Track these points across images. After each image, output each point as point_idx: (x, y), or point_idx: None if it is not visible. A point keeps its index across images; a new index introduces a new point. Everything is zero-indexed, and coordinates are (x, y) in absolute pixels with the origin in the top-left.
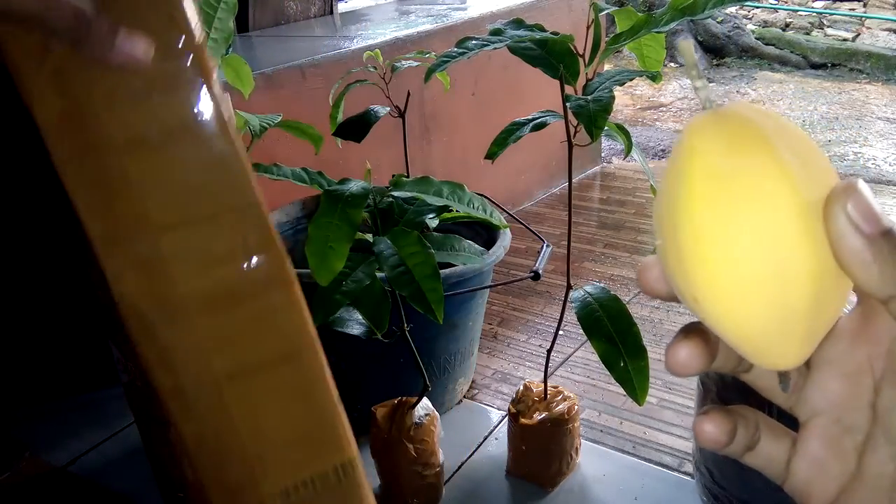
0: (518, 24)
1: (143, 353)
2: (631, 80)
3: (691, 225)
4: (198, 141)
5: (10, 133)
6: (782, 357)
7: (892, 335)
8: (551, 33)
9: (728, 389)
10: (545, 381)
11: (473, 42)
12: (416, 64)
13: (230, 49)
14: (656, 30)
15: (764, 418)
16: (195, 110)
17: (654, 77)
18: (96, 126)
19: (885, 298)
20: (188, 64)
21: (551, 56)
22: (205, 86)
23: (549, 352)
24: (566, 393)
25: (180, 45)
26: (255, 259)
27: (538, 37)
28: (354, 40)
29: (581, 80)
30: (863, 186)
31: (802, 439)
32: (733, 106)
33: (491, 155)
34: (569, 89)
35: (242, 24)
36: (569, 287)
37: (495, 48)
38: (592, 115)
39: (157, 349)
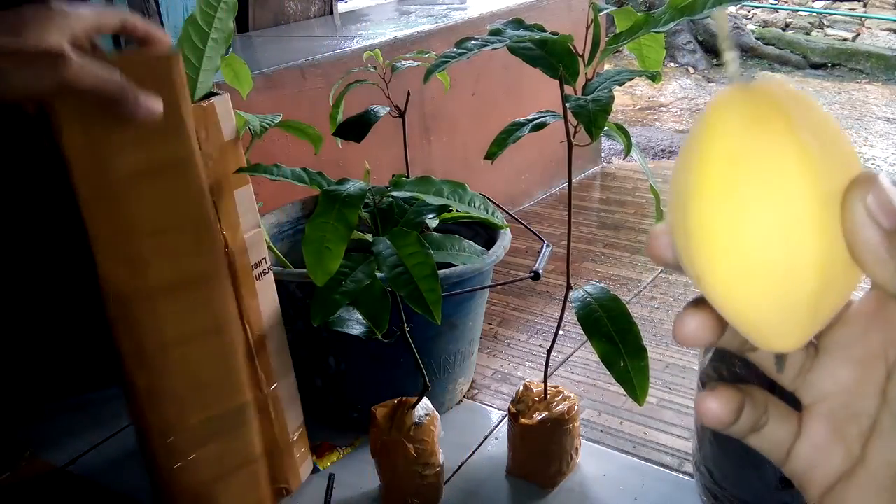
0: (518, 24)
1: (117, 325)
2: (631, 79)
3: (702, 203)
4: (175, 175)
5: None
6: (780, 341)
7: None
8: (551, 33)
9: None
10: (545, 381)
11: (473, 42)
12: (416, 64)
13: (230, 49)
14: (655, 30)
15: (773, 400)
16: (175, 154)
17: (654, 77)
18: (108, 163)
19: None
20: (174, 121)
21: (551, 56)
22: (185, 136)
23: (549, 352)
24: (566, 393)
25: (171, 108)
26: (203, 259)
27: (538, 37)
28: (354, 40)
29: (581, 80)
30: (885, 179)
31: (806, 423)
32: (761, 82)
33: (490, 155)
34: (568, 89)
35: (242, 24)
36: (569, 287)
37: (495, 48)
38: (592, 115)
39: (128, 322)
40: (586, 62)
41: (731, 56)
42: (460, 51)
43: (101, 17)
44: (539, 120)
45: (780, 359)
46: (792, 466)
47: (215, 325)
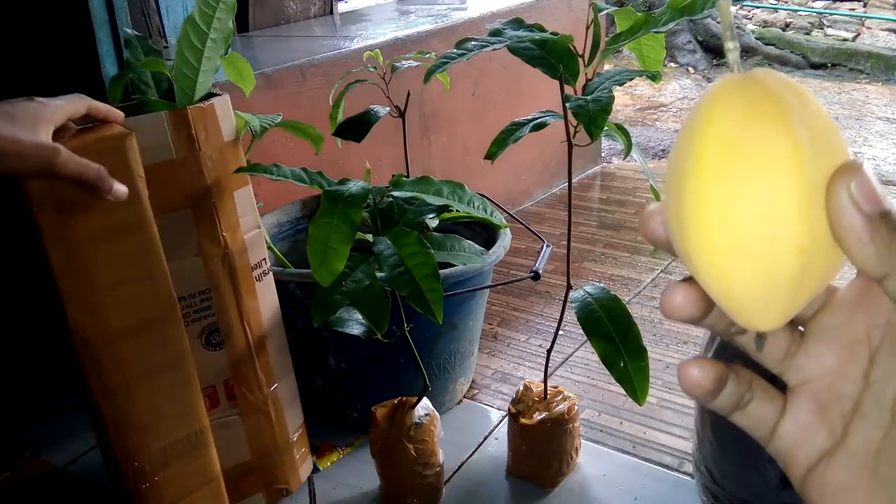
0: (518, 24)
1: (84, 365)
2: (631, 79)
3: (695, 186)
4: (131, 235)
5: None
6: (761, 320)
7: (891, 307)
8: (551, 33)
9: None
10: (545, 381)
11: (473, 43)
12: (416, 64)
13: (229, 49)
14: (655, 30)
15: (757, 379)
16: (132, 218)
17: (654, 77)
18: (74, 228)
19: (880, 277)
20: (130, 190)
21: (551, 56)
22: (140, 203)
23: (549, 352)
24: (566, 393)
25: (127, 179)
26: (158, 305)
27: (538, 37)
28: (354, 40)
29: (581, 81)
30: (867, 167)
31: (791, 403)
32: (759, 73)
33: (491, 155)
34: (568, 89)
35: (242, 24)
36: (569, 287)
37: (495, 49)
38: (592, 115)
39: (94, 362)
40: (586, 62)
41: (732, 46)
42: (460, 51)
43: (73, 105)
44: (539, 120)
45: (761, 337)
46: (776, 445)
47: (172, 361)
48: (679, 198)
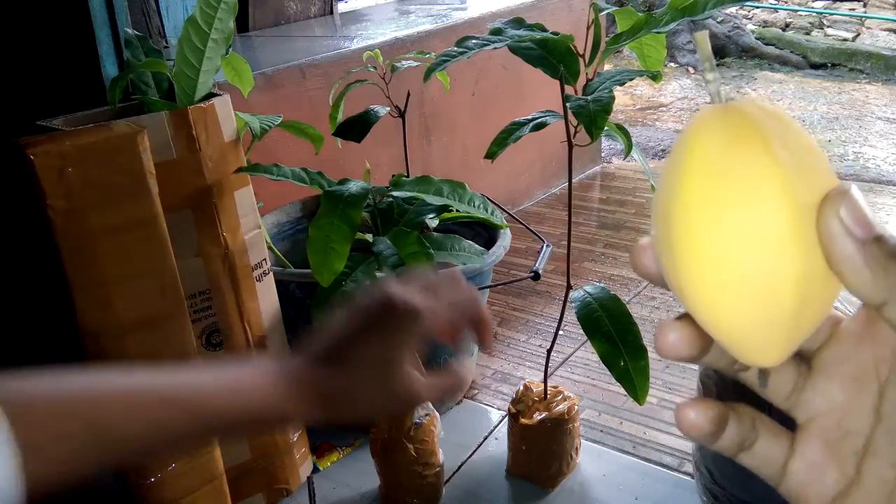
0: (518, 23)
1: (92, 359)
2: (631, 79)
3: (683, 218)
4: (141, 232)
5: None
6: (763, 355)
7: (894, 336)
8: (551, 33)
9: (728, 390)
10: (545, 381)
11: (473, 41)
12: (416, 64)
13: (230, 49)
14: (656, 30)
15: (761, 417)
16: (141, 214)
17: (655, 77)
18: (84, 223)
19: (878, 304)
20: (141, 187)
21: (551, 56)
22: (150, 199)
23: (549, 352)
24: (566, 393)
25: (137, 177)
26: (166, 301)
27: (538, 37)
28: (354, 40)
29: (581, 80)
30: (856, 192)
31: (800, 441)
32: (740, 103)
33: (490, 154)
34: (569, 89)
35: (242, 24)
36: (569, 287)
37: (495, 48)
38: (592, 116)
39: (100, 355)
40: (587, 62)
41: (711, 77)
42: (461, 50)
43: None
44: (539, 120)
45: (764, 374)
46: (787, 485)
47: (178, 357)
48: (667, 232)
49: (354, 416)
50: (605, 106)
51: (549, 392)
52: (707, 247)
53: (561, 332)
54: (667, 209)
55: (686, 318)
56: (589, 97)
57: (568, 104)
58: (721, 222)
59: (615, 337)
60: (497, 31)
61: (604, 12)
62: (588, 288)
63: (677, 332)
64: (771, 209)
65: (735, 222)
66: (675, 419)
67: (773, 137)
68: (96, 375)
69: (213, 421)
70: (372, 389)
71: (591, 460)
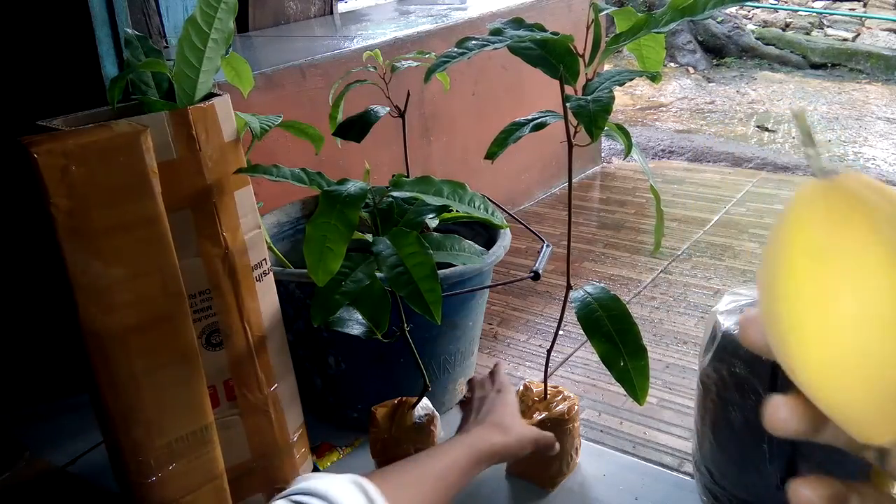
0: (518, 23)
1: (93, 358)
2: (631, 80)
3: (790, 298)
4: (144, 230)
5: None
6: (877, 433)
7: None
8: (551, 33)
9: (728, 389)
10: (545, 381)
11: (473, 42)
12: (416, 64)
13: (230, 49)
14: (656, 30)
15: (887, 499)
16: (145, 213)
17: (654, 77)
18: (87, 220)
19: None
20: (144, 186)
21: (551, 56)
22: (153, 198)
23: (549, 352)
24: (566, 393)
25: (140, 175)
26: (169, 301)
27: (538, 36)
28: (354, 40)
29: (581, 81)
30: None
31: None
32: (844, 178)
33: (490, 155)
34: (569, 90)
35: (242, 24)
36: (569, 287)
37: (495, 48)
38: (592, 116)
39: (102, 355)
40: (587, 62)
41: (813, 152)
42: (461, 50)
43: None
44: (539, 120)
45: (882, 452)
46: None
47: (180, 357)
48: (775, 310)
49: (515, 458)
50: (605, 106)
51: (549, 392)
52: (815, 327)
53: (561, 332)
54: (773, 287)
55: (796, 393)
56: (589, 97)
57: (568, 104)
58: (828, 302)
59: (615, 337)
60: (497, 32)
61: (604, 12)
62: (588, 288)
63: (789, 409)
64: (877, 288)
65: (842, 302)
66: (789, 497)
67: (877, 214)
68: (423, 464)
69: (452, 491)
70: (520, 439)
71: (591, 460)
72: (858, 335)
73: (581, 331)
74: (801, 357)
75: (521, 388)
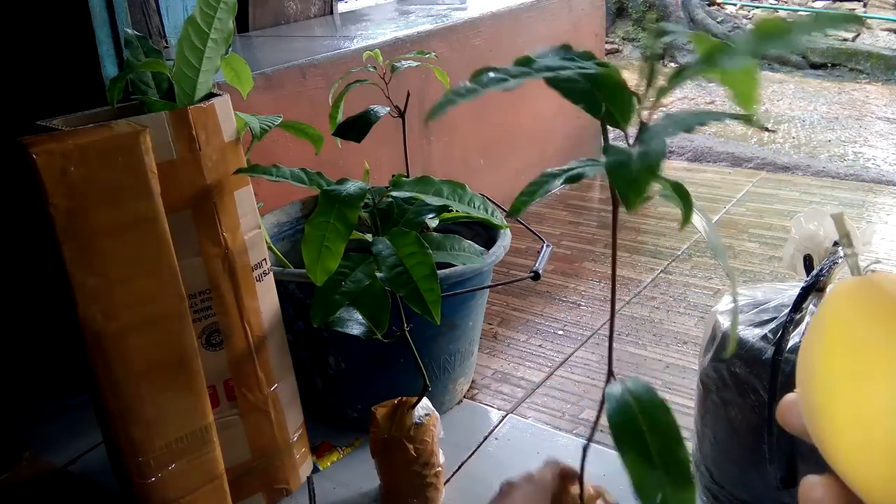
0: (565, 50)
1: (93, 359)
2: (710, 122)
3: (826, 386)
4: (143, 231)
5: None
6: None
7: None
8: (596, 62)
9: (728, 389)
10: (581, 481)
11: (490, 76)
12: (415, 64)
13: (230, 49)
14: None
15: None
16: (143, 213)
17: (749, 118)
18: (86, 221)
19: None
20: (143, 186)
21: (598, 89)
22: (152, 199)
23: (585, 450)
24: (607, 497)
25: (139, 175)
26: (168, 301)
27: (590, 71)
28: (354, 40)
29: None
30: None
31: None
32: (879, 276)
33: (514, 210)
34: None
35: (242, 24)
36: (610, 375)
37: (514, 84)
38: (634, 178)
39: (102, 356)
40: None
41: (850, 251)
42: (472, 87)
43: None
44: (576, 171)
45: None
46: None
47: (179, 357)
48: (811, 396)
49: None
50: (653, 164)
51: (585, 495)
52: (850, 412)
53: (561, 332)
54: (811, 374)
55: (830, 474)
56: (635, 150)
57: (605, 160)
58: (861, 390)
59: (656, 457)
60: (525, 62)
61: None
62: (629, 383)
63: (824, 489)
64: None
65: (875, 390)
66: (799, 496)
67: None
68: None
69: None
70: None
71: (591, 460)
72: (891, 421)
73: (581, 331)
74: (834, 440)
75: (553, 474)
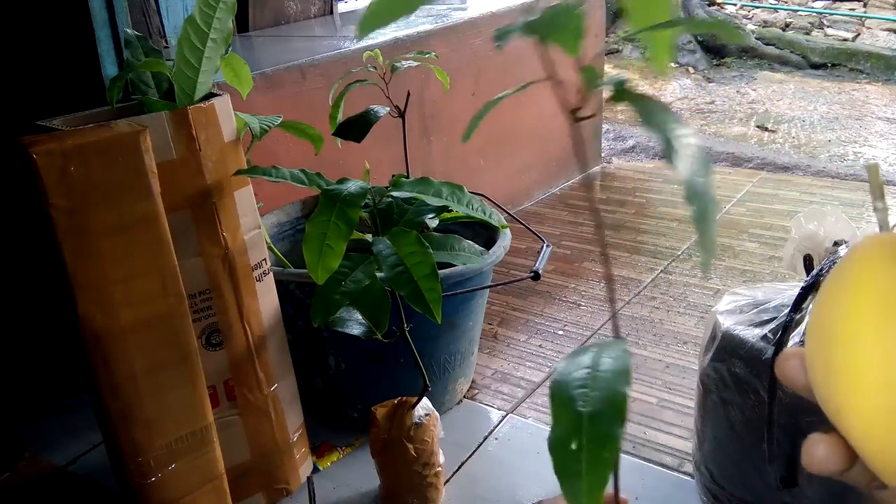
0: None
1: (93, 358)
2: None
3: (849, 343)
4: (143, 230)
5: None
6: None
7: None
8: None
9: (728, 389)
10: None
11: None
12: (416, 64)
13: (229, 49)
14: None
15: None
16: (143, 212)
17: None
18: (86, 221)
19: None
20: (143, 186)
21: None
22: (152, 198)
23: (615, 480)
24: None
25: (139, 175)
26: (168, 301)
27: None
28: (354, 40)
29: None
30: None
31: None
32: None
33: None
34: (569, 61)
35: (242, 24)
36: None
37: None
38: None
39: (102, 355)
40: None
41: (881, 205)
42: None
43: None
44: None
45: None
46: None
47: (179, 357)
48: (828, 354)
49: None
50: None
51: None
52: (875, 372)
53: (561, 332)
54: (828, 330)
55: (833, 433)
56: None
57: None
58: (891, 350)
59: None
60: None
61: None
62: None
63: (827, 448)
64: None
65: None
66: (802, 455)
67: None
68: None
69: None
70: None
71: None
72: None
73: (581, 331)
74: (853, 401)
75: None
